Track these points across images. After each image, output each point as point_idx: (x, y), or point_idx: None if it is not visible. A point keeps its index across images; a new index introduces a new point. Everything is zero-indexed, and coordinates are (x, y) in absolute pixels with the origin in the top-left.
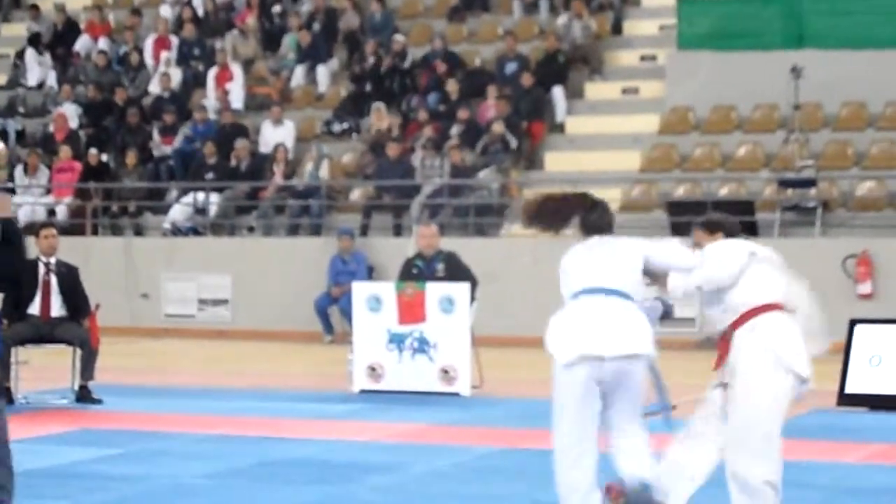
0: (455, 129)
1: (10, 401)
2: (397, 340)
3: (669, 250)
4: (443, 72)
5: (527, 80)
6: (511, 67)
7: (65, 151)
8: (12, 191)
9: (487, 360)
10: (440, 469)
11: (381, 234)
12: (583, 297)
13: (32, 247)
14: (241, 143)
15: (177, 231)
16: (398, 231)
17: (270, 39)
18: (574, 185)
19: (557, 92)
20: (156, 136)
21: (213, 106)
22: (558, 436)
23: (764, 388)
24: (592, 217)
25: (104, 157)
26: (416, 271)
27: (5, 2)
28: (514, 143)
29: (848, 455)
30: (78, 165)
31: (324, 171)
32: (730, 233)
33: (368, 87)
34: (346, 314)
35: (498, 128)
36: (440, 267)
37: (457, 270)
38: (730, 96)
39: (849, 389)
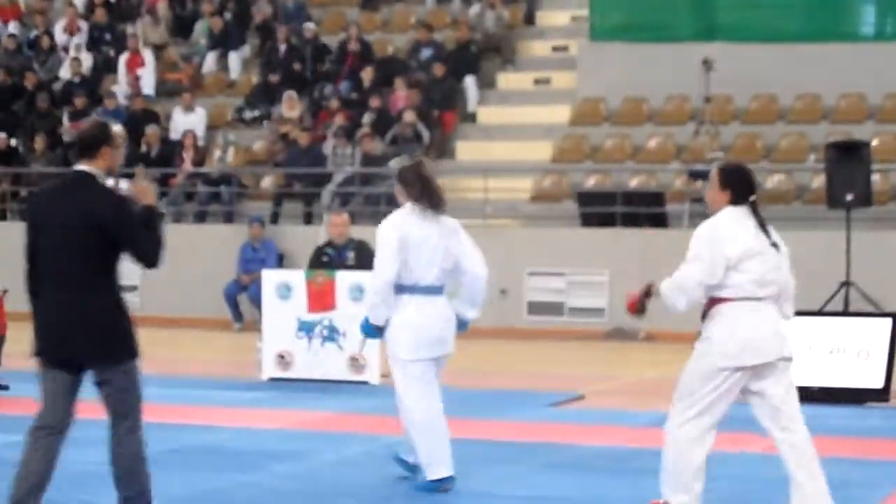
0: (367, 118)
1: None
2: (307, 328)
3: None
4: (356, 60)
5: (439, 69)
6: (425, 55)
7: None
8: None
9: None
10: (349, 457)
11: (291, 221)
12: None
13: None
14: (151, 130)
15: None
16: (309, 219)
17: (182, 25)
18: (485, 174)
19: (470, 81)
20: (66, 121)
21: (123, 92)
22: None
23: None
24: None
25: (13, 142)
26: (327, 259)
27: None
28: (425, 135)
29: (750, 446)
30: None
31: (231, 159)
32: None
33: (280, 75)
34: (256, 302)
35: (409, 117)
36: (351, 255)
37: (368, 258)
38: (641, 88)
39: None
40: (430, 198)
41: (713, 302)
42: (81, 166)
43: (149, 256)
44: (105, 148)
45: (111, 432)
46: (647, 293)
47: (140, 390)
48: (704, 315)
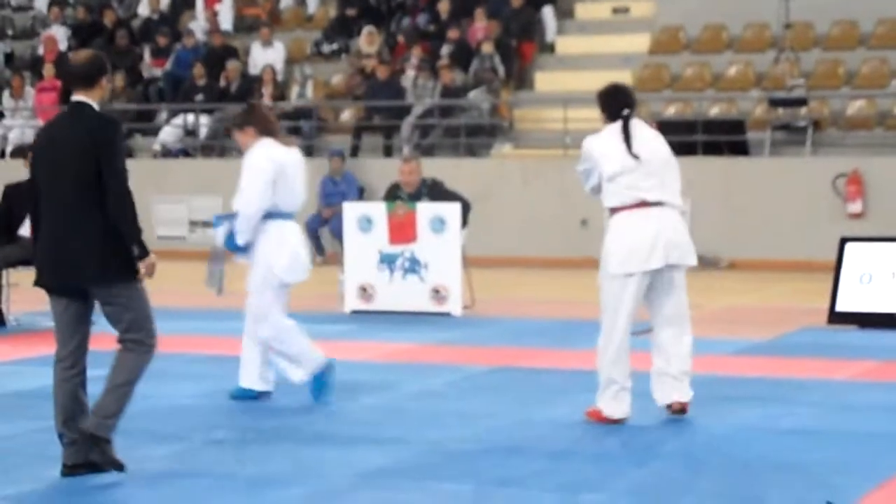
0: (445, 50)
1: (2, 322)
2: (388, 261)
3: None
4: None
5: (516, 1)
6: None
7: (48, 70)
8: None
9: (478, 279)
10: (432, 388)
11: (371, 154)
12: None
13: (23, 170)
14: (231, 65)
15: (167, 153)
16: (388, 152)
17: None
18: (564, 105)
19: (547, 12)
20: (147, 58)
21: (202, 27)
22: None
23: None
24: None
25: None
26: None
27: None
28: (501, 71)
29: (839, 373)
30: (60, 84)
31: (309, 93)
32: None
33: (357, 8)
34: (337, 235)
35: (487, 48)
36: (426, 200)
37: (444, 199)
38: (720, 15)
39: (840, 308)
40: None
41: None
42: (79, 97)
43: (113, 186)
44: (102, 79)
45: (120, 347)
46: None
47: (144, 311)
48: None
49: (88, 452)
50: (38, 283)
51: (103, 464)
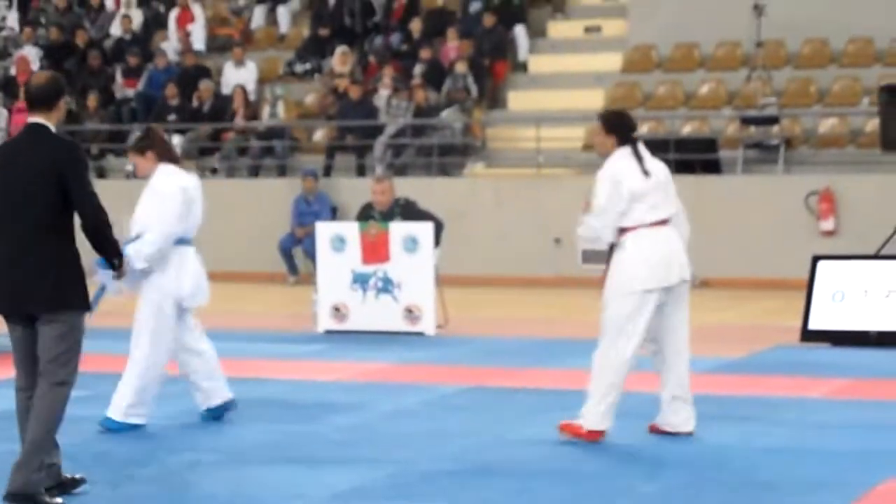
0: (418, 69)
1: None
2: (361, 280)
3: None
4: (404, 12)
5: (488, 20)
6: (474, 7)
7: (24, 93)
8: None
9: (451, 299)
10: (406, 408)
11: (344, 174)
12: None
13: None
14: (204, 85)
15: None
16: (361, 171)
17: None
18: (537, 124)
19: (520, 31)
20: (119, 78)
21: (174, 48)
22: None
23: None
24: None
25: (66, 99)
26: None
27: None
28: (474, 90)
29: (812, 390)
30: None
31: (281, 112)
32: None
33: (330, 28)
34: (311, 255)
35: (461, 68)
36: (398, 220)
37: (416, 218)
38: (692, 34)
39: (812, 325)
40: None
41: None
42: (36, 119)
43: (88, 208)
44: (60, 101)
45: (40, 380)
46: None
47: (77, 346)
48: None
49: (57, 476)
50: None
51: None
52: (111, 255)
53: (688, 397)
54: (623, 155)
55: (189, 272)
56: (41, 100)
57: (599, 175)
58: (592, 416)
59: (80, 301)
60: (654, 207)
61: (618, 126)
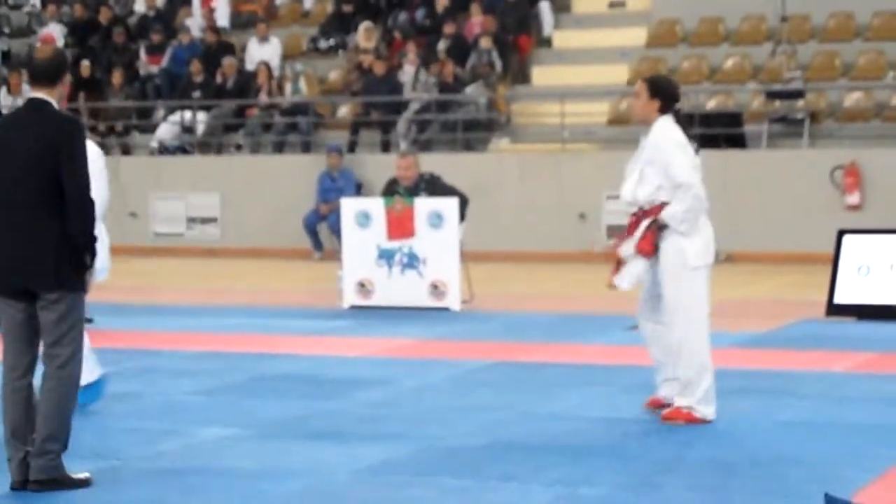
0: (442, 45)
1: None
2: (386, 256)
3: None
4: None
5: None
6: None
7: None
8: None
9: (476, 274)
10: (431, 383)
11: (368, 150)
12: None
13: None
14: (227, 62)
15: (164, 150)
16: (386, 147)
17: None
18: (561, 99)
19: (544, 6)
20: (143, 55)
21: (198, 24)
22: None
23: None
24: None
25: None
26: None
27: None
28: (498, 65)
29: (837, 364)
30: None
31: (303, 89)
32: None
33: (353, 4)
34: (335, 231)
35: (485, 43)
36: (423, 195)
37: (441, 193)
38: (717, 8)
39: (837, 300)
40: None
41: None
42: (38, 94)
43: (75, 189)
44: (64, 76)
45: (44, 364)
46: (660, 227)
47: (78, 325)
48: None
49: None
50: None
51: (71, 486)
52: (85, 245)
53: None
54: (672, 123)
55: (107, 247)
56: (44, 75)
57: (661, 143)
58: (699, 404)
59: (78, 282)
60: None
61: (664, 91)
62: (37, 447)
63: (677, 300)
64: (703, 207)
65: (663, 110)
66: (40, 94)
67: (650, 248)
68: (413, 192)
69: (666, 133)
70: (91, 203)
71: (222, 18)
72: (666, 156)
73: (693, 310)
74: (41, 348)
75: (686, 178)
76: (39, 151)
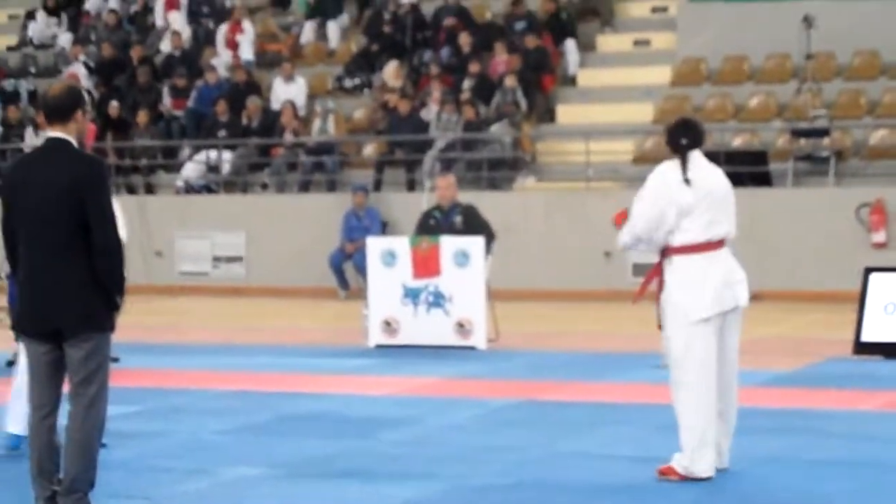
0: (467, 84)
1: None
2: (412, 295)
3: None
4: (454, 26)
5: (531, 41)
6: (518, 27)
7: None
8: None
9: (502, 313)
10: (457, 422)
11: (393, 189)
12: None
13: None
14: (252, 102)
15: (190, 189)
16: (411, 186)
17: None
18: (586, 137)
19: (570, 45)
20: (166, 99)
21: (223, 63)
22: None
23: None
24: None
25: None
26: (434, 223)
27: None
28: (523, 104)
29: (864, 403)
30: (92, 126)
31: (331, 127)
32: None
33: (380, 43)
34: (361, 269)
35: (511, 82)
36: (458, 220)
37: (475, 223)
38: (742, 47)
39: (864, 338)
40: None
41: None
42: (54, 133)
43: (101, 231)
44: (77, 112)
45: (70, 403)
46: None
47: (104, 364)
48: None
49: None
50: (14, 327)
51: None
52: (114, 288)
53: (729, 431)
54: (668, 165)
55: None
56: (57, 112)
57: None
58: (681, 460)
59: (107, 322)
60: (710, 223)
61: (668, 134)
62: (65, 486)
63: (674, 354)
64: (647, 246)
65: (673, 153)
66: (57, 133)
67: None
68: (449, 214)
69: (649, 178)
70: (118, 244)
71: (246, 54)
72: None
73: (688, 366)
74: (67, 387)
75: (634, 214)
76: (63, 193)
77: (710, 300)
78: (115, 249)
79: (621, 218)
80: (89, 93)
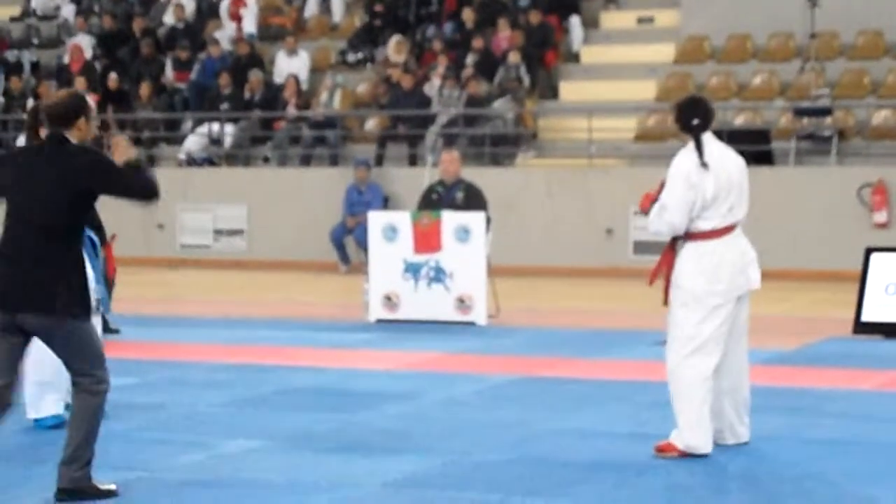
0: (470, 59)
1: None
2: (413, 270)
3: None
4: (457, 1)
5: (534, 17)
6: (523, 1)
7: (80, 83)
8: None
9: (503, 289)
10: (456, 397)
11: (396, 164)
12: None
13: None
14: (254, 75)
15: (192, 161)
16: (413, 161)
17: None
18: (589, 114)
19: (574, 22)
20: (169, 71)
21: (227, 36)
22: None
23: None
24: None
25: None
26: (436, 197)
27: None
28: (526, 80)
29: (864, 383)
30: (93, 97)
31: (337, 102)
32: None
33: (383, 18)
34: (362, 244)
35: (514, 58)
36: (460, 196)
37: (475, 201)
38: (745, 25)
39: (865, 318)
40: None
41: None
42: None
43: (141, 193)
44: (81, 120)
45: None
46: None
47: (92, 351)
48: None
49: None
50: None
51: (97, 496)
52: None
53: (744, 407)
54: (688, 150)
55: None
56: (58, 119)
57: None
58: (679, 436)
59: (88, 309)
60: (730, 210)
61: (679, 112)
62: (66, 456)
63: (674, 336)
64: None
65: (684, 132)
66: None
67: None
68: (452, 189)
69: (674, 164)
70: (147, 184)
71: (249, 27)
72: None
73: (689, 348)
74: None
75: (669, 206)
76: (54, 185)
77: (725, 286)
78: (151, 193)
79: (648, 201)
80: (93, 67)
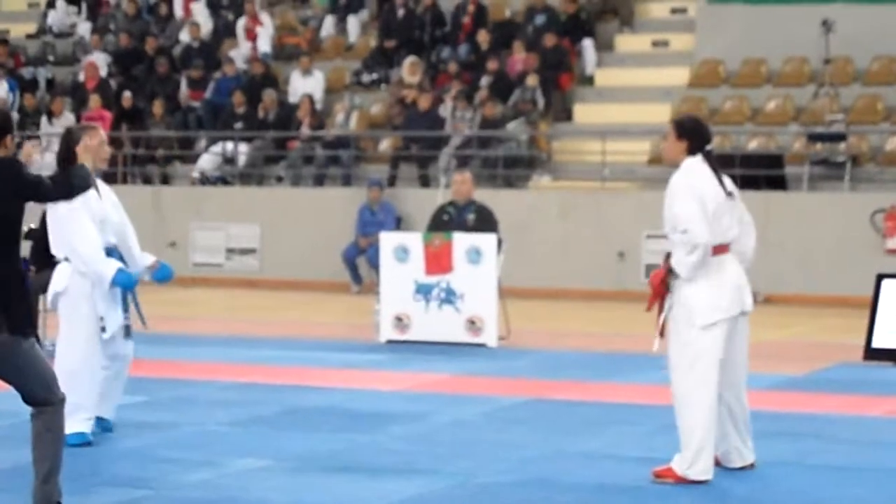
0: (484, 81)
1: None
2: (424, 291)
3: None
4: (472, 23)
5: (549, 39)
6: (539, 21)
7: (94, 101)
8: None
9: (514, 311)
10: (466, 419)
11: (408, 184)
12: None
13: None
14: (268, 95)
15: (205, 180)
16: (426, 182)
17: None
18: (603, 137)
19: (587, 44)
20: (184, 89)
21: (243, 56)
22: None
23: None
24: None
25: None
26: (447, 218)
27: None
28: (540, 101)
29: (873, 409)
30: (108, 115)
31: (353, 123)
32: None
33: (397, 39)
34: (374, 264)
35: (531, 81)
36: (471, 217)
37: (486, 223)
38: (760, 49)
39: (875, 344)
40: None
41: None
42: None
43: (49, 195)
44: (6, 138)
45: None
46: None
47: (40, 373)
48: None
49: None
50: None
51: None
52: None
53: (745, 431)
54: (697, 165)
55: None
56: None
57: (672, 188)
58: (680, 462)
59: (32, 327)
60: (728, 227)
61: (691, 131)
62: (43, 474)
63: (679, 356)
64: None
65: (691, 151)
66: None
67: (658, 284)
68: (463, 210)
69: (680, 177)
70: (61, 186)
71: (264, 47)
72: (674, 201)
73: (694, 369)
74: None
75: (689, 224)
76: None
77: (727, 303)
78: (61, 191)
79: (657, 296)
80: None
